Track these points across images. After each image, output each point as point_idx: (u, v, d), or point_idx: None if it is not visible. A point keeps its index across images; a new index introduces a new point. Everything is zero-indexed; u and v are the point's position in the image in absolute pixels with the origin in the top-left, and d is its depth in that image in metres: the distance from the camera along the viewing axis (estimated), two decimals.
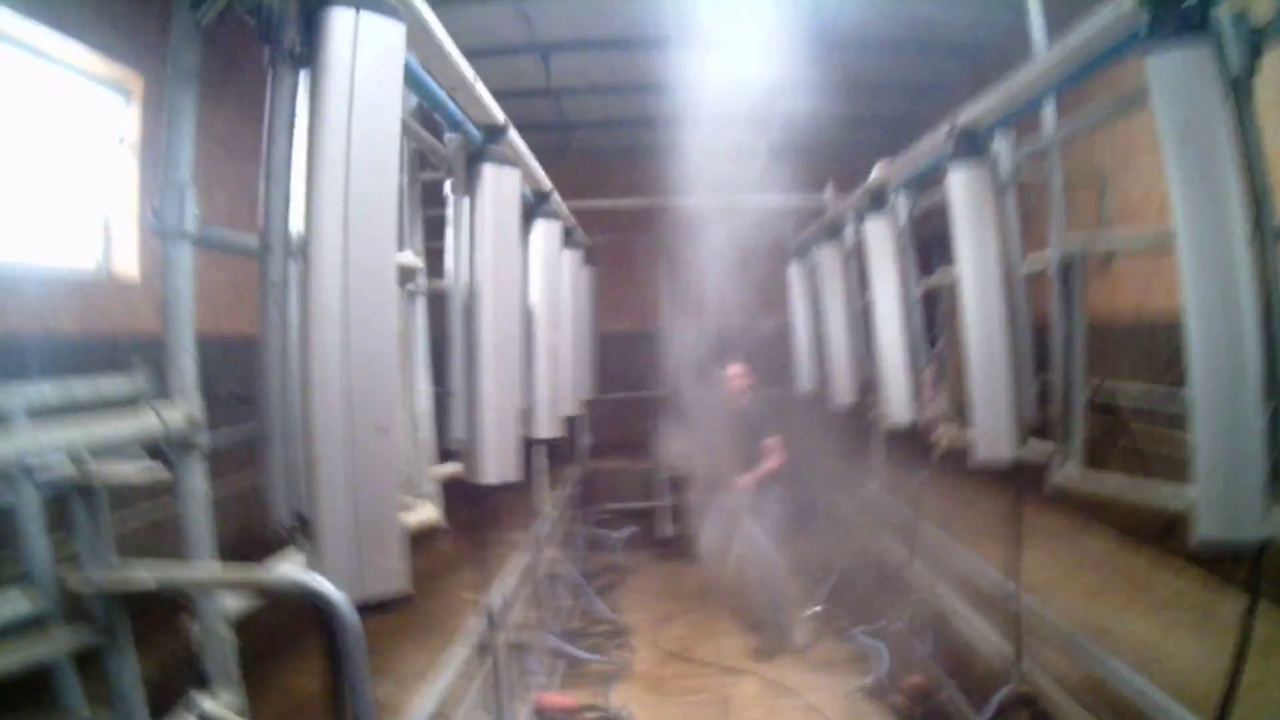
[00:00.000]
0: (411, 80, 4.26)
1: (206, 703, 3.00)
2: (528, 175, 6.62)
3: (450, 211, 5.65)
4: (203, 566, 3.05)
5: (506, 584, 7.14)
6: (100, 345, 6.45)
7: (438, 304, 5.75)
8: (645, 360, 14.88)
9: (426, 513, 5.36)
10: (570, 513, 12.01)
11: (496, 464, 5.60)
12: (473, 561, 6.31)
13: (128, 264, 6.94)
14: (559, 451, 10.80)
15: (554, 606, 9.55)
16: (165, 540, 2.90)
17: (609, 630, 10.14)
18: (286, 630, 4.87)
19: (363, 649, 2.73)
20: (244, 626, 3.30)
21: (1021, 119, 6.01)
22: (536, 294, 7.25)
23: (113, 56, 6.63)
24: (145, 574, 2.59)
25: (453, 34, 4.49)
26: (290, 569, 3.05)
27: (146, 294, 6.98)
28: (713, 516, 10.86)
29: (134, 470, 2.70)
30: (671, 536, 13.74)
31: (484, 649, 6.16)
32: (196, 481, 3.03)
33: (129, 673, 2.71)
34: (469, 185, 5.56)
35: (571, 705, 8.12)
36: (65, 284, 6.24)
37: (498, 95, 5.50)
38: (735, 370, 10.99)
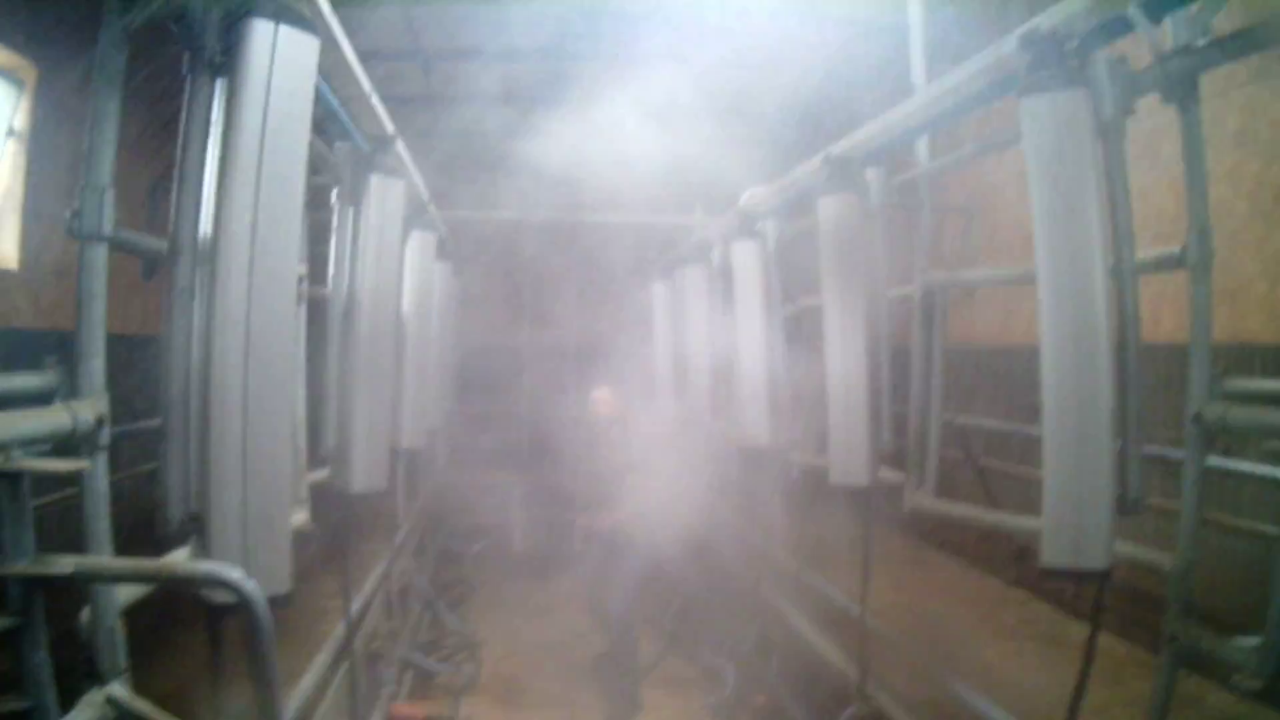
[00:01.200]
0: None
1: (115, 688, 3.07)
2: (409, 185, 6.69)
3: (335, 219, 5.71)
4: (115, 558, 3.11)
5: (364, 592, 7.14)
6: None
7: (314, 310, 5.80)
8: (508, 373, 14.93)
9: (299, 517, 5.41)
10: (425, 524, 11.97)
11: (365, 473, 5.67)
12: (333, 568, 6.31)
13: (6, 253, 6.84)
14: (419, 462, 10.73)
15: (407, 617, 9.55)
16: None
17: (459, 643, 10.16)
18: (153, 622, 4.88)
19: (273, 640, 2.84)
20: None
21: (896, 151, 6.19)
22: (409, 305, 7.29)
23: (5, 43, 6.53)
24: (66, 560, 2.66)
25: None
26: (198, 562, 3.15)
27: (23, 284, 6.89)
28: (572, 550, 10.76)
29: (61, 463, 2.76)
30: (524, 552, 13.76)
31: (341, 656, 6.18)
32: (101, 477, 3.09)
33: (42, 655, 2.77)
34: (355, 194, 5.62)
35: (421, 716, 8.12)
36: None
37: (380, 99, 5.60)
38: (601, 396, 10.26)
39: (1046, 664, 6.02)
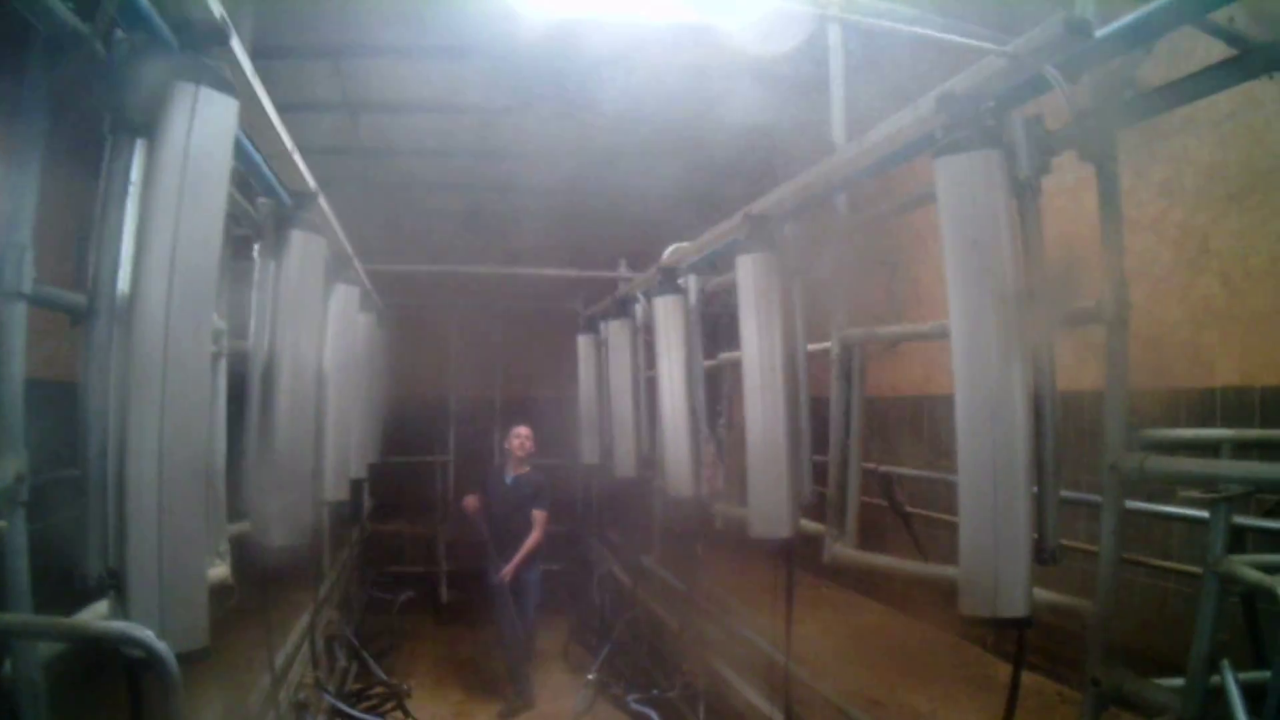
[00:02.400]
0: (234, 146, 4.34)
1: None
2: (331, 240, 6.69)
3: (256, 275, 5.70)
4: (33, 616, 3.11)
5: (288, 643, 7.10)
6: None
7: (235, 363, 5.78)
8: (432, 424, 14.90)
9: (219, 571, 5.37)
10: (350, 575, 11.91)
11: (286, 525, 5.64)
12: (256, 619, 6.27)
13: None
14: (342, 513, 10.70)
15: (333, 667, 9.48)
16: None
17: (386, 693, 10.09)
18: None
19: (180, 698, 2.85)
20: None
21: (814, 209, 6.26)
22: (331, 357, 7.26)
23: None
24: None
25: (268, 87, 4.59)
26: (110, 621, 3.15)
27: None
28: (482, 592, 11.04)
29: None
30: (450, 602, 13.73)
31: (266, 706, 6.14)
32: (20, 535, 3.08)
33: None
34: (276, 249, 5.62)
35: None
36: None
37: (304, 151, 5.60)
38: (522, 431, 10.98)
39: (975, 707, 6.07)
